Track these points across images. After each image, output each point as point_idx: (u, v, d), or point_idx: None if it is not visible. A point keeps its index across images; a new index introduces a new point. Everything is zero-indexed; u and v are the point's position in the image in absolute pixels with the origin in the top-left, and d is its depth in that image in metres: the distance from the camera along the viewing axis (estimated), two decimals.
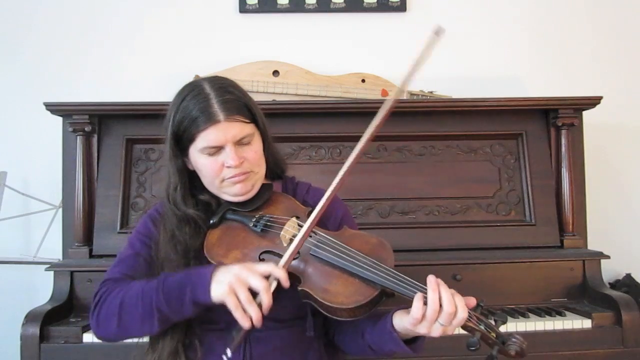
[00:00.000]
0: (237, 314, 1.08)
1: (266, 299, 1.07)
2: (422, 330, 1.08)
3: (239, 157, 1.21)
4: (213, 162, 1.22)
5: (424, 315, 1.06)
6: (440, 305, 1.05)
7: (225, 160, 1.22)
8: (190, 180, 1.30)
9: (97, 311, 1.21)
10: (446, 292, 1.06)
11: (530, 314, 1.88)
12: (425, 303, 1.06)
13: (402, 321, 1.13)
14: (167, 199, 1.28)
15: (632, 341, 1.82)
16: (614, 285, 2.41)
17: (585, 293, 2.00)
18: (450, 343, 1.75)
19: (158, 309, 1.14)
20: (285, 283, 1.11)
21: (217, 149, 1.22)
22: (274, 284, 1.10)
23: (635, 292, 2.26)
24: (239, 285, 1.08)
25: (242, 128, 1.22)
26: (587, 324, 1.83)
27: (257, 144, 1.27)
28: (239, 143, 1.23)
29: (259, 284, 1.08)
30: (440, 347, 1.76)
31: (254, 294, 1.09)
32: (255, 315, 1.07)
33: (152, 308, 1.15)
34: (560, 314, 1.87)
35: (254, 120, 1.26)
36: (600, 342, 1.82)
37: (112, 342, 1.26)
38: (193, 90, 1.24)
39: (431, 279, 1.08)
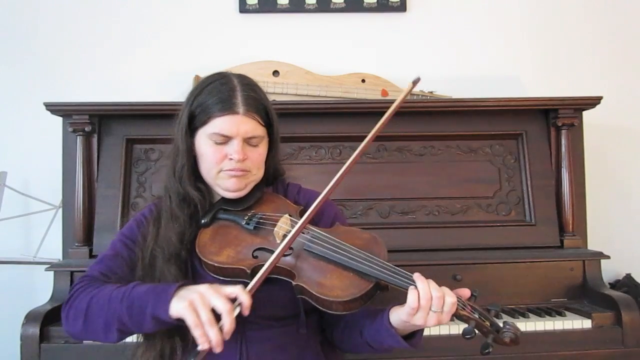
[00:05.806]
0: (196, 333, 1.03)
1: (228, 323, 1.03)
2: (418, 321, 1.09)
3: (244, 154, 1.24)
4: (217, 151, 1.25)
5: (419, 304, 1.08)
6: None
7: (229, 152, 1.24)
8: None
9: (68, 306, 1.21)
10: (433, 283, 1.11)
11: (530, 314, 1.88)
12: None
13: (398, 315, 1.14)
14: (172, 174, 1.29)
15: (632, 341, 1.81)
16: (614, 285, 2.41)
17: (585, 293, 2.00)
18: (450, 343, 1.76)
19: (119, 318, 1.13)
20: (246, 311, 1.06)
21: (225, 139, 1.24)
22: (237, 309, 1.06)
23: (635, 292, 2.26)
24: (201, 304, 1.04)
25: (255, 127, 1.25)
26: (587, 324, 1.83)
27: (263, 148, 1.29)
28: (248, 141, 1.25)
29: (222, 306, 1.03)
30: (441, 347, 1.76)
31: (217, 317, 1.04)
32: (215, 339, 1.02)
33: (114, 316, 1.13)
34: (560, 314, 1.87)
35: (268, 125, 1.29)
36: (600, 342, 1.82)
37: (79, 340, 1.23)
38: (222, 78, 1.28)
39: (417, 274, 1.12)
